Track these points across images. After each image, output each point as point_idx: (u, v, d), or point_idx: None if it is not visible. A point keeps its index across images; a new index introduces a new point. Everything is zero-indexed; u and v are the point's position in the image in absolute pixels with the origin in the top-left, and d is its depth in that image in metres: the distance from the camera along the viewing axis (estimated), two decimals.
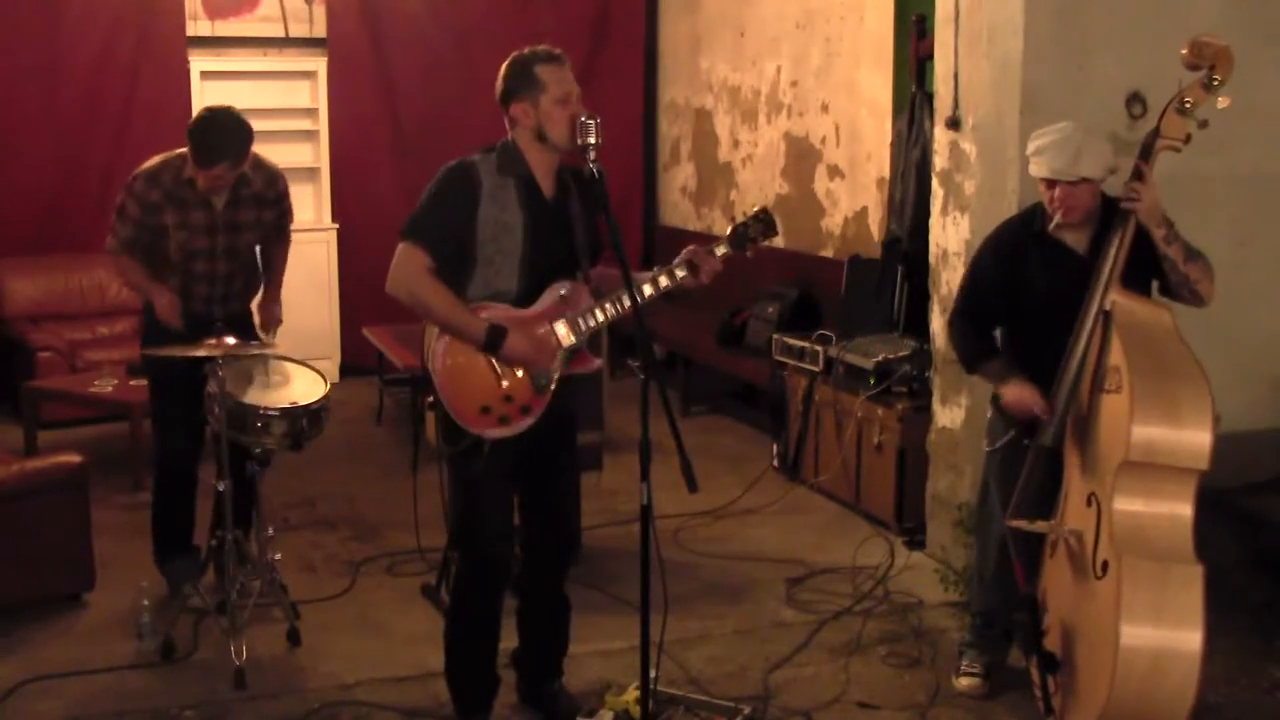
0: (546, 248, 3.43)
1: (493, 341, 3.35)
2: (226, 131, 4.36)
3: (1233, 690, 3.91)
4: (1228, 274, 3.66)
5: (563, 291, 3.44)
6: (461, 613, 3.68)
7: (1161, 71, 4.22)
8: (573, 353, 3.47)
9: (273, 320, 4.74)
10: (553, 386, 3.45)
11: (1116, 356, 3.31)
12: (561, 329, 3.43)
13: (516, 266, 3.41)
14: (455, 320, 3.37)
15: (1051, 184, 3.58)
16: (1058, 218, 3.59)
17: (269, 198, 4.63)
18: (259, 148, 4.60)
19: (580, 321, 3.44)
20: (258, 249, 4.75)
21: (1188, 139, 3.44)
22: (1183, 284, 3.54)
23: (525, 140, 3.42)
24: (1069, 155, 3.53)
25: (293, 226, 4.91)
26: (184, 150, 4.45)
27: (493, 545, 3.55)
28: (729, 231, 3.46)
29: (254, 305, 4.81)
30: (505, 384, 3.41)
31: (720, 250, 3.43)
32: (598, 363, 3.53)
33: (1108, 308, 3.40)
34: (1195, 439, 3.22)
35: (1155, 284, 3.65)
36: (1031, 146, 3.62)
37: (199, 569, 4.61)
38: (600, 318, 3.43)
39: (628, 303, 3.33)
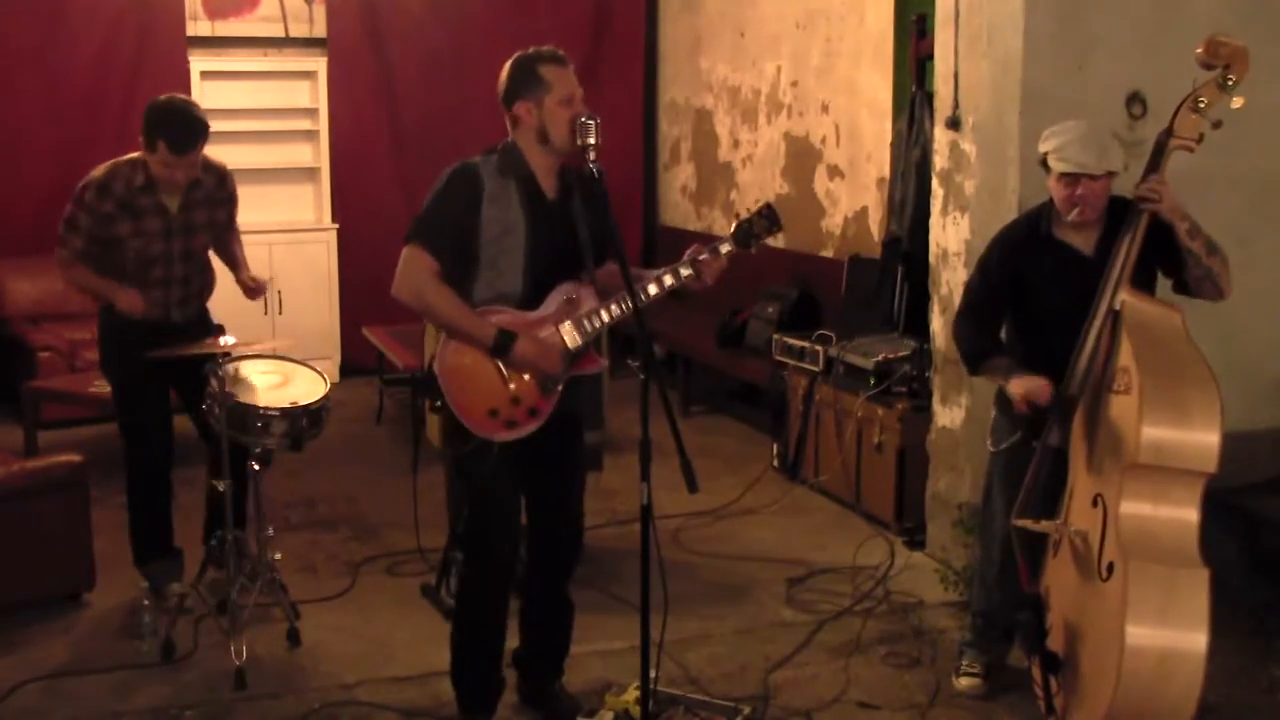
0: (549, 248, 3.42)
1: (502, 346, 3.34)
2: (190, 114, 4.36)
3: (1232, 690, 3.91)
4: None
5: (567, 295, 3.43)
6: (468, 615, 3.66)
7: (1161, 71, 4.24)
8: (580, 353, 3.47)
9: (257, 285, 4.67)
10: (559, 388, 3.45)
11: (1126, 357, 3.29)
12: (567, 331, 3.43)
13: (520, 268, 3.40)
14: (463, 324, 3.36)
15: (1073, 181, 3.52)
16: (1075, 215, 3.55)
17: (220, 197, 4.61)
18: (261, 147, 4.61)
19: (585, 323, 3.43)
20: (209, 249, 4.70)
21: (1201, 138, 3.42)
22: (1205, 278, 3.52)
23: (527, 141, 3.42)
24: (1095, 150, 3.50)
25: (293, 226, 4.90)
26: (133, 156, 4.41)
27: (501, 548, 3.55)
28: (732, 229, 3.45)
29: (225, 294, 4.75)
30: (512, 387, 3.40)
31: (725, 248, 3.42)
32: (603, 362, 3.54)
33: (1117, 307, 3.39)
34: (1204, 441, 3.21)
35: (1169, 282, 3.64)
36: (1051, 144, 3.57)
37: (179, 569, 4.63)
38: (605, 318, 3.42)
39: (632, 303, 3.33)
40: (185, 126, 4.30)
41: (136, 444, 4.60)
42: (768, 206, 3.45)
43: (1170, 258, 3.54)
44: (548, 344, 3.40)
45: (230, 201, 4.68)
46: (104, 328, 4.61)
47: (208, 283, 4.71)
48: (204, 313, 4.69)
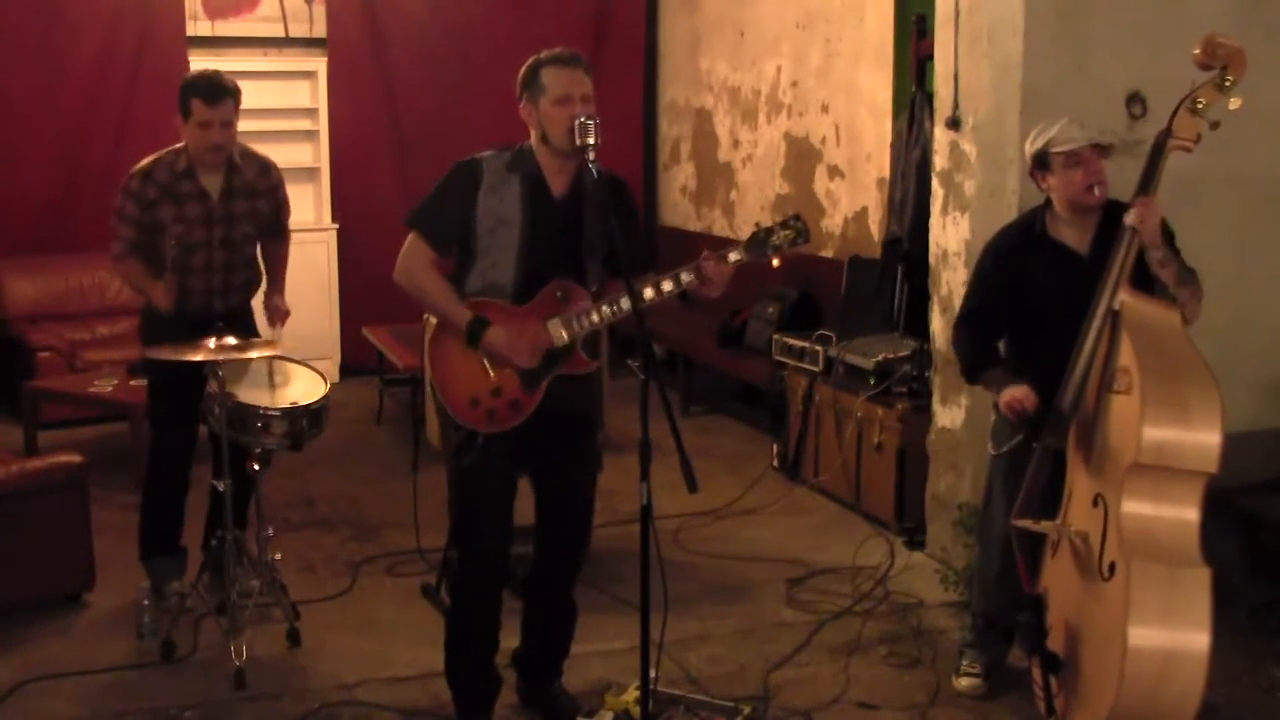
0: (547, 245, 3.42)
1: (473, 332, 3.37)
2: (218, 74, 4.45)
3: (1232, 690, 3.91)
4: (1228, 275, 3.68)
5: (559, 291, 3.43)
6: (458, 610, 3.68)
7: (1161, 71, 4.24)
8: (567, 352, 3.45)
9: (279, 313, 4.72)
10: (544, 384, 3.44)
11: (1126, 357, 3.29)
12: (555, 327, 3.42)
13: (513, 260, 3.41)
14: (444, 309, 3.45)
15: (1077, 161, 3.57)
16: (1096, 193, 3.58)
17: (261, 188, 4.62)
18: (261, 147, 4.62)
19: (575, 321, 3.41)
20: (258, 248, 4.73)
21: (1198, 139, 3.42)
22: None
23: (535, 140, 3.45)
24: (1093, 128, 3.58)
25: (293, 226, 4.90)
26: (175, 146, 4.46)
27: (485, 541, 3.55)
28: (749, 236, 3.40)
29: (258, 302, 4.77)
30: (494, 378, 3.42)
31: (734, 256, 3.35)
32: (594, 364, 3.51)
33: (1116, 307, 3.38)
34: (1205, 441, 3.21)
35: None
36: (1049, 134, 3.61)
37: (182, 568, 4.62)
38: (596, 318, 3.40)
39: (626, 304, 3.32)
40: (212, 81, 4.40)
41: (163, 436, 4.61)
42: (796, 216, 3.39)
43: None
44: (525, 336, 3.38)
45: (272, 194, 4.67)
46: (146, 323, 4.62)
47: (253, 278, 4.72)
48: (246, 310, 4.70)
